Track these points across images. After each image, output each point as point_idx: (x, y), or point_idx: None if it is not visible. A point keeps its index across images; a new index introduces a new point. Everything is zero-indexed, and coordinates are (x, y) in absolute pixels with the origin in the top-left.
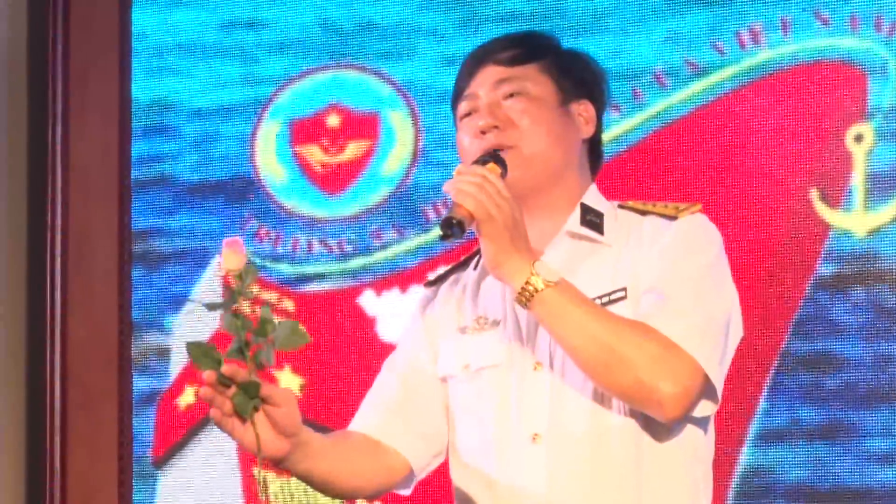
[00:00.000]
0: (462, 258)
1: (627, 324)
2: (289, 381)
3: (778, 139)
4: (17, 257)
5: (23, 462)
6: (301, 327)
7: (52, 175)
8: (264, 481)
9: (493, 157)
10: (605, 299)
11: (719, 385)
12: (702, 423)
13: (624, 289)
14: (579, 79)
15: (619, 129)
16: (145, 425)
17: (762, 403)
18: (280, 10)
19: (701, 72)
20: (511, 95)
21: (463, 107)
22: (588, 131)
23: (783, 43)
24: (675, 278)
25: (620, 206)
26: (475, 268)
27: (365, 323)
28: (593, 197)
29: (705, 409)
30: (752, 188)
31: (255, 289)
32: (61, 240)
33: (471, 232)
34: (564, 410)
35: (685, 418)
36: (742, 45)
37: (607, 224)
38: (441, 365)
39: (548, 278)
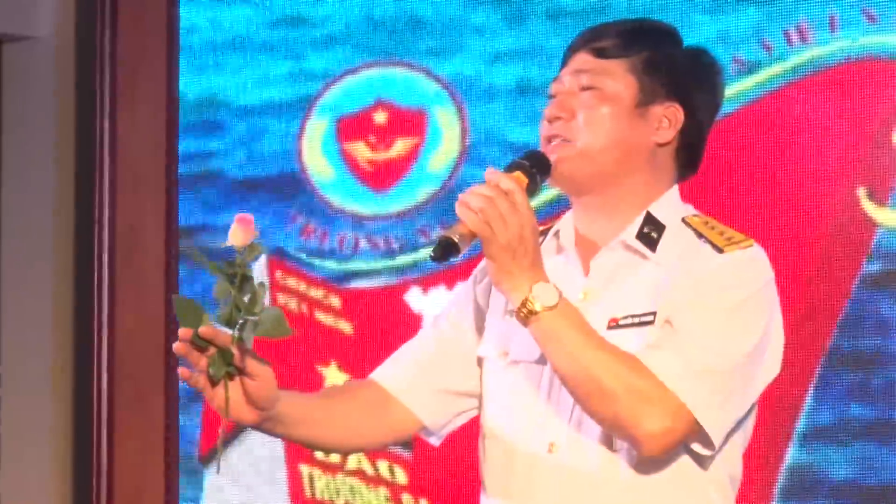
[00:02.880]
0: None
1: (619, 357)
2: (335, 377)
3: (825, 137)
4: (66, 253)
5: (70, 457)
6: (285, 320)
7: (100, 171)
8: (310, 477)
9: (529, 159)
10: (637, 320)
11: (715, 430)
12: (724, 451)
13: (653, 314)
14: (674, 81)
15: None
16: (192, 422)
17: (809, 401)
18: (328, 6)
19: (748, 69)
20: (587, 88)
21: (552, 88)
22: (666, 136)
23: (831, 40)
24: (691, 314)
25: (685, 221)
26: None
27: (411, 320)
28: (663, 205)
29: (700, 451)
30: (799, 186)
31: (260, 282)
32: (109, 235)
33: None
34: (585, 425)
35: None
36: (790, 43)
37: (665, 239)
38: (483, 344)
39: (545, 302)
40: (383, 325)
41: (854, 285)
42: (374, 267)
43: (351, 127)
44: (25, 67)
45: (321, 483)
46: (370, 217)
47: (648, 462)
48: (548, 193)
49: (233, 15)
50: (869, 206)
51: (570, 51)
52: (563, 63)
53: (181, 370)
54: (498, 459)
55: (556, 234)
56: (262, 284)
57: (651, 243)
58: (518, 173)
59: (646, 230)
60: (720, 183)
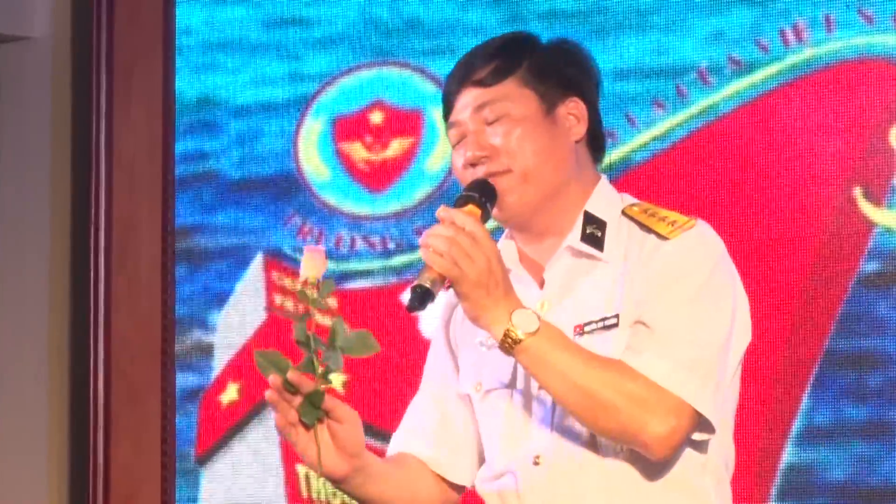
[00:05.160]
0: None
1: (609, 367)
2: (332, 377)
3: (822, 137)
4: (62, 253)
5: (66, 457)
6: (370, 337)
7: (96, 171)
8: (307, 477)
9: (476, 190)
10: (600, 324)
11: (714, 414)
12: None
13: (616, 315)
14: (563, 77)
15: (662, 126)
16: (188, 421)
17: (806, 401)
18: (324, 7)
19: (745, 69)
20: (494, 121)
21: (452, 134)
22: (579, 132)
23: (827, 40)
24: (661, 309)
25: (624, 213)
26: None
27: (408, 320)
28: (598, 201)
29: (700, 438)
30: (795, 186)
31: (331, 301)
32: (105, 236)
33: None
34: (566, 432)
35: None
36: (786, 43)
37: (609, 235)
38: (461, 382)
39: (526, 329)
40: (380, 326)
41: (851, 285)
42: (370, 267)
43: (347, 127)
44: (21, 68)
45: (318, 483)
46: (366, 217)
47: (639, 459)
48: None
49: (229, 15)
50: (866, 206)
51: (449, 94)
52: (448, 108)
53: (277, 420)
54: (491, 483)
55: None
56: (339, 319)
57: (597, 243)
58: (470, 206)
59: (588, 230)
60: (717, 183)
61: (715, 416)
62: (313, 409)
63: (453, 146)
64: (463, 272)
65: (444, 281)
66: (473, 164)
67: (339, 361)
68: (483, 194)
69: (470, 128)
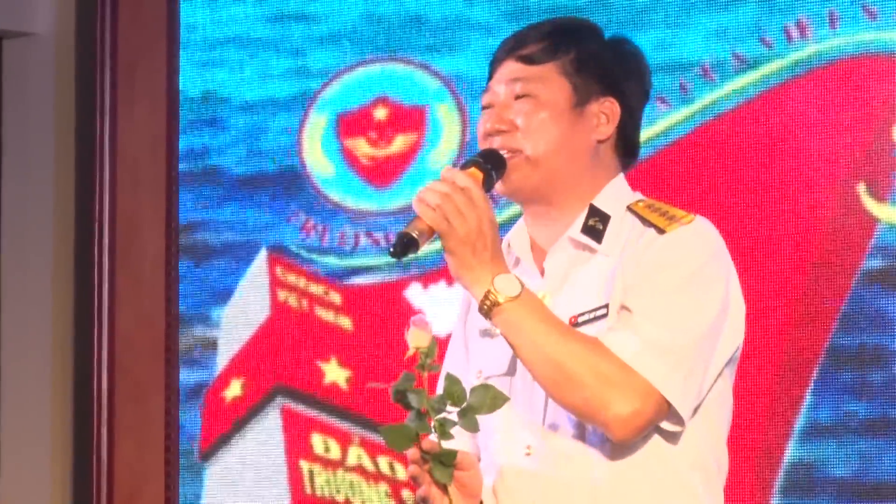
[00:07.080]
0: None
1: (583, 343)
2: (335, 373)
3: (825, 133)
4: (65, 249)
5: (70, 454)
6: (494, 390)
7: (100, 167)
8: (310, 473)
9: (483, 157)
10: (591, 315)
11: (683, 405)
12: (703, 432)
13: (606, 306)
14: (606, 76)
15: (665, 122)
16: (192, 418)
17: (808, 398)
18: (328, 3)
19: (748, 65)
20: (522, 96)
21: (484, 98)
22: (605, 132)
23: (830, 36)
24: (644, 295)
25: (629, 209)
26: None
27: (411, 316)
28: (607, 196)
29: (670, 428)
30: (799, 182)
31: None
32: (109, 232)
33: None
34: (557, 424)
35: (656, 430)
36: (789, 39)
37: (610, 230)
38: (470, 371)
39: (508, 292)
40: (383, 321)
41: (854, 281)
42: (374, 263)
43: (351, 123)
44: (25, 64)
45: (321, 479)
46: (370, 213)
47: (626, 453)
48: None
49: (232, 11)
50: (869, 202)
51: (496, 61)
52: (491, 73)
53: (424, 491)
54: (486, 469)
55: (508, 245)
56: (453, 379)
57: (597, 235)
58: (473, 169)
59: (591, 223)
60: (719, 179)
61: (683, 405)
62: (447, 468)
63: (483, 109)
64: (452, 227)
65: (431, 234)
66: (491, 135)
67: (475, 423)
68: (489, 161)
69: (499, 99)
